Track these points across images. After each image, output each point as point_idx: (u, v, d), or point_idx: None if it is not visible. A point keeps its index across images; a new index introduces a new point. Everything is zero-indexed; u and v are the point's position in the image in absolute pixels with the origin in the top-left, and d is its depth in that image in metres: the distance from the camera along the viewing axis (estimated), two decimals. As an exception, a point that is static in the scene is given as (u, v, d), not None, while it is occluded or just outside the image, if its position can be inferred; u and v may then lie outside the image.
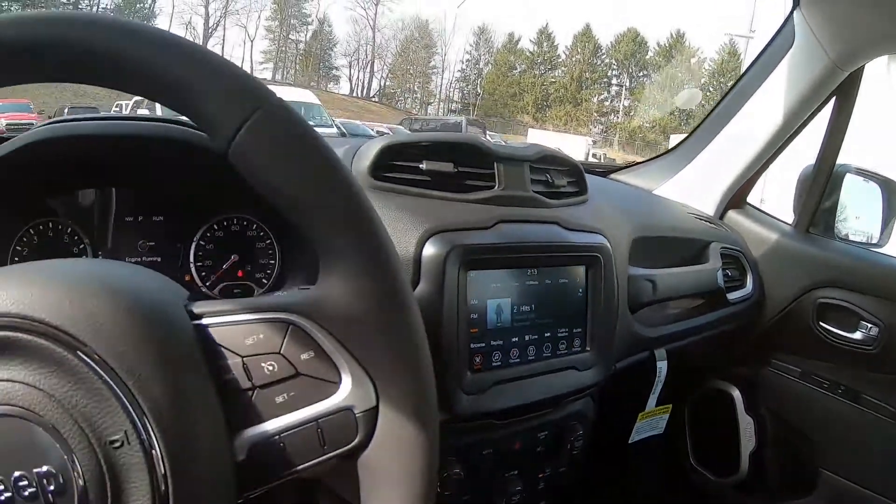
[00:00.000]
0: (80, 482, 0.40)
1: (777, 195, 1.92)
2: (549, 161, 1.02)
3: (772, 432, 1.63)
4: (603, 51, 56.97)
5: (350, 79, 70.14)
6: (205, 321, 0.47)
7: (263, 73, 66.04)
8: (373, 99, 66.09)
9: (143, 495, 0.41)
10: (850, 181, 1.56)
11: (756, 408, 1.64)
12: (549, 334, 0.94)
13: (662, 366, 1.21)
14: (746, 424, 1.63)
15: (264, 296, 0.55)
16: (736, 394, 1.65)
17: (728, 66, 46.31)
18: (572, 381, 0.98)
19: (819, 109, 1.48)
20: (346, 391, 0.48)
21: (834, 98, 1.45)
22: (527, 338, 0.92)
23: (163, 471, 0.41)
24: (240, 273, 0.97)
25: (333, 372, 0.48)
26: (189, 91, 0.44)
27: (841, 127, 1.47)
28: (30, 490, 0.39)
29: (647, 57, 54.55)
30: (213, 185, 0.89)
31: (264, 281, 0.98)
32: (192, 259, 0.95)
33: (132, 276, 0.49)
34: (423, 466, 0.49)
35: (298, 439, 0.47)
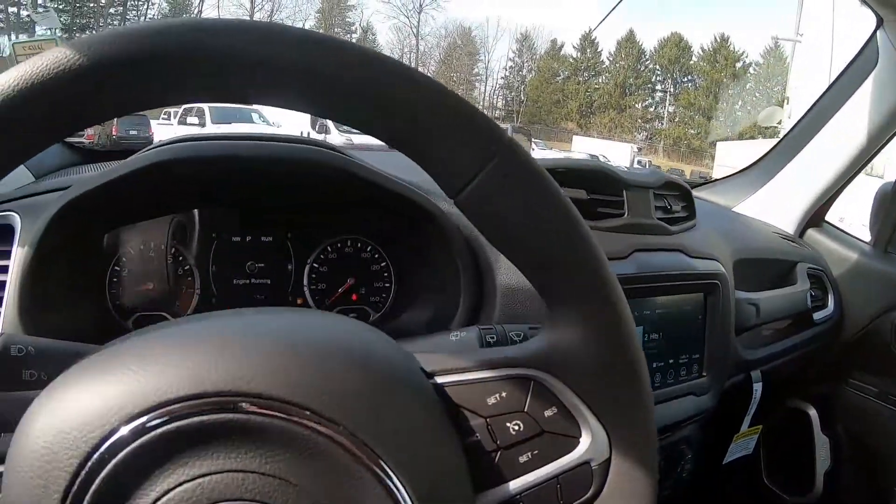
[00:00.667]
0: None
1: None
2: (668, 187, 1.05)
3: (847, 452, 1.62)
4: (647, 56, 56.28)
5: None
6: (439, 380, 0.44)
7: (299, 88, 66.68)
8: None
9: None
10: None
11: (832, 427, 1.63)
12: (672, 361, 0.96)
13: (758, 387, 1.22)
14: (822, 444, 1.61)
15: (492, 349, 0.50)
16: (812, 413, 1.63)
17: (774, 70, 45.38)
18: (690, 406, 1.00)
19: None
20: (585, 445, 0.45)
21: None
22: (654, 365, 0.93)
23: None
24: (354, 297, 0.96)
25: (575, 426, 0.45)
26: (424, 134, 0.40)
27: None
28: None
29: (692, 62, 53.73)
30: (333, 206, 0.90)
31: (379, 305, 0.96)
32: (305, 282, 0.93)
33: (352, 332, 0.44)
34: None
35: (538, 497, 0.44)
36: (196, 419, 0.34)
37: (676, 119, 53.70)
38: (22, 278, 0.72)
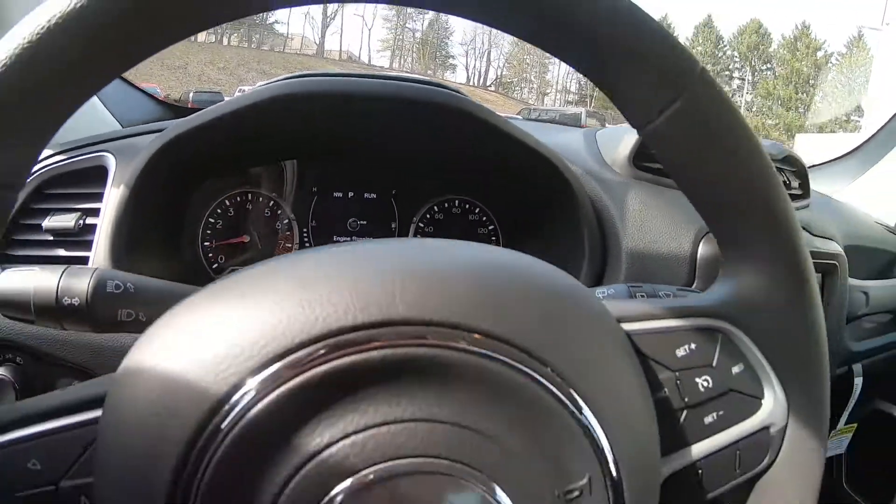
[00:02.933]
0: None
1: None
2: (787, 161, 1.00)
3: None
4: (725, 42, 55.09)
5: (466, 68, 70.37)
6: (627, 327, 0.39)
7: (381, 60, 66.96)
8: (489, 88, 65.99)
9: None
10: None
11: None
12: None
13: (859, 382, 1.18)
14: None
15: (680, 298, 0.47)
16: (902, 416, 1.57)
17: (858, 60, 43.85)
18: None
19: None
20: (768, 408, 0.42)
21: None
22: None
23: None
24: None
25: (759, 387, 0.42)
26: (619, 57, 0.36)
27: None
28: None
29: (771, 49, 52.38)
30: (445, 162, 0.87)
31: None
32: None
33: (543, 268, 0.37)
34: (817, 488, 0.43)
35: (717, 465, 0.40)
36: (374, 353, 0.28)
37: (754, 109, 52.49)
38: (115, 222, 0.70)
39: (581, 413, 0.31)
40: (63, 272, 0.46)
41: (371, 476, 0.26)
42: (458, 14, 0.36)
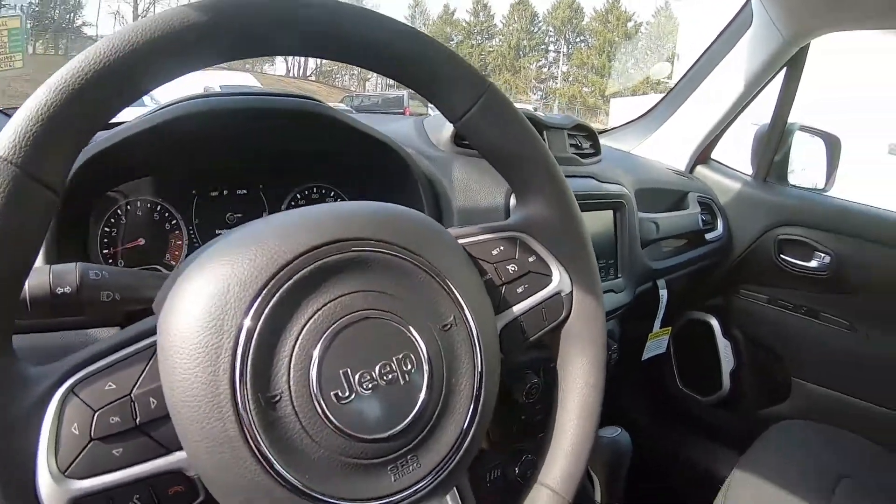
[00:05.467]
0: (427, 363, 0.49)
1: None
2: (578, 128, 1.26)
3: (747, 352, 1.91)
4: (540, 18, 56.97)
5: (285, 59, 68.90)
6: (461, 241, 0.61)
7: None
8: (310, 78, 64.85)
9: (467, 368, 0.52)
10: (798, 137, 1.82)
11: (731, 332, 1.92)
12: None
13: (664, 293, 1.45)
14: (724, 347, 1.90)
15: (488, 224, 0.67)
16: (713, 321, 1.91)
17: (664, 29, 46.66)
18: (611, 301, 1.20)
19: (773, 78, 1.72)
20: (556, 280, 0.64)
21: (785, 68, 1.69)
22: None
23: (478, 346, 0.53)
24: None
25: (548, 269, 0.64)
26: (432, 75, 0.56)
27: (791, 92, 1.72)
28: (386, 374, 0.47)
29: (584, 23, 54.70)
30: (304, 158, 1.01)
31: None
32: None
33: (404, 209, 0.59)
34: (602, 329, 0.66)
35: (531, 318, 0.62)
36: (331, 259, 0.48)
37: (570, 78, 54.61)
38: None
39: (444, 281, 0.53)
40: (50, 268, 0.53)
41: (354, 315, 0.47)
42: (319, 56, 0.52)
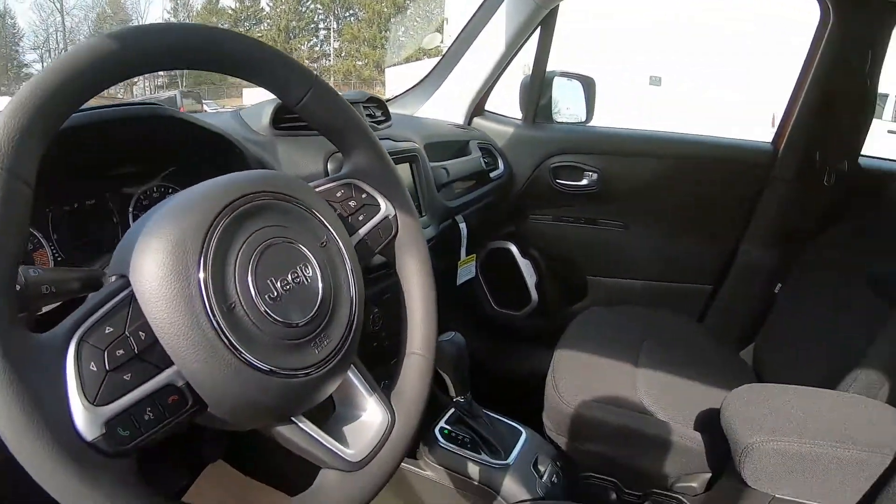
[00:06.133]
0: (317, 268, 0.66)
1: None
2: (370, 101, 1.48)
3: (545, 265, 2.25)
4: (306, -3, 55.89)
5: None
6: (315, 189, 0.76)
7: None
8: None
9: (343, 271, 0.69)
10: (557, 82, 2.18)
11: (529, 252, 2.24)
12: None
13: (463, 226, 1.70)
14: (525, 266, 2.23)
15: (329, 177, 0.84)
16: (511, 246, 2.23)
17: (432, -8, 47.17)
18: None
19: (530, 36, 2.02)
20: (384, 208, 0.82)
21: (539, 28, 1.99)
22: None
23: (345, 255, 0.70)
24: None
25: (376, 201, 0.82)
26: (271, 74, 0.71)
27: (545, 47, 2.05)
28: (295, 279, 0.63)
29: (353, -3, 54.20)
30: (142, 160, 1.08)
31: None
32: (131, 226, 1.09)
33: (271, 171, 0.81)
34: (422, 236, 0.86)
35: (374, 234, 0.81)
36: (258, 201, 0.64)
37: (343, 54, 54.09)
38: None
39: (315, 213, 0.70)
40: None
41: (266, 242, 0.63)
42: (170, 69, 0.65)
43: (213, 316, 0.56)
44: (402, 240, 0.85)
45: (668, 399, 1.47)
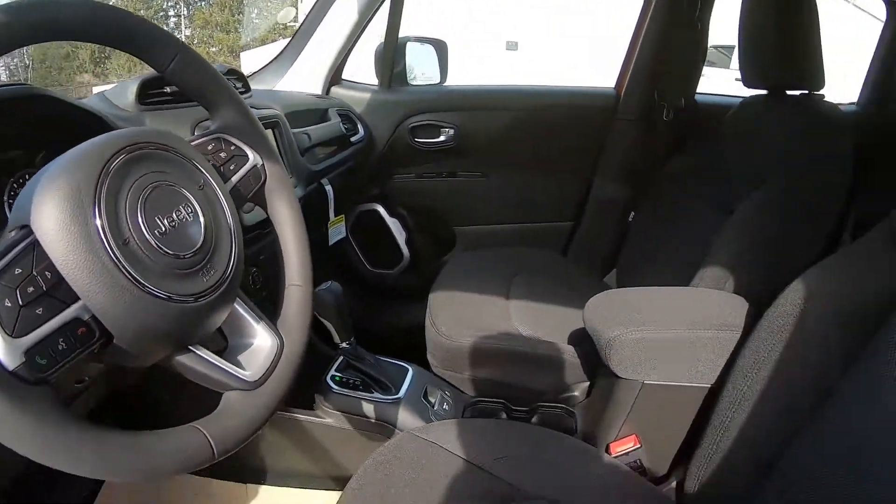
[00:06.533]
0: (198, 207, 0.72)
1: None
2: (230, 73, 1.52)
3: (413, 222, 2.35)
4: (154, -16, 53.32)
5: None
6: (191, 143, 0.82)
7: None
8: None
9: (220, 211, 0.76)
10: (411, 47, 2.26)
11: (396, 211, 2.33)
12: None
13: (329, 189, 1.78)
14: (394, 224, 2.33)
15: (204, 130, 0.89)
16: (379, 207, 2.32)
17: (279, -28, 46.00)
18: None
19: (380, 6, 2.08)
20: (252, 158, 0.89)
21: None
22: None
23: (222, 197, 0.77)
24: None
25: (244, 152, 0.89)
26: (136, 40, 0.76)
27: (397, 16, 2.10)
28: (179, 217, 0.69)
29: (200, -19, 52.16)
30: (17, 141, 1.06)
31: None
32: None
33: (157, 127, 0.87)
34: (289, 182, 0.94)
35: (244, 183, 0.87)
36: (138, 151, 0.68)
37: (196, 41, 52.06)
38: None
39: (192, 161, 0.76)
40: None
41: (151, 186, 0.68)
42: (43, 41, 0.67)
43: (111, 251, 0.61)
44: (271, 186, 0.92)
45: (541, 322, 1.61)
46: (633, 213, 2.23)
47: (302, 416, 1.47)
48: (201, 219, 0.73)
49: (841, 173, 1.46)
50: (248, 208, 1.20)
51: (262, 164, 0.91)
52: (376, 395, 1.48)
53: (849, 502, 0.74)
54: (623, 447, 1.34)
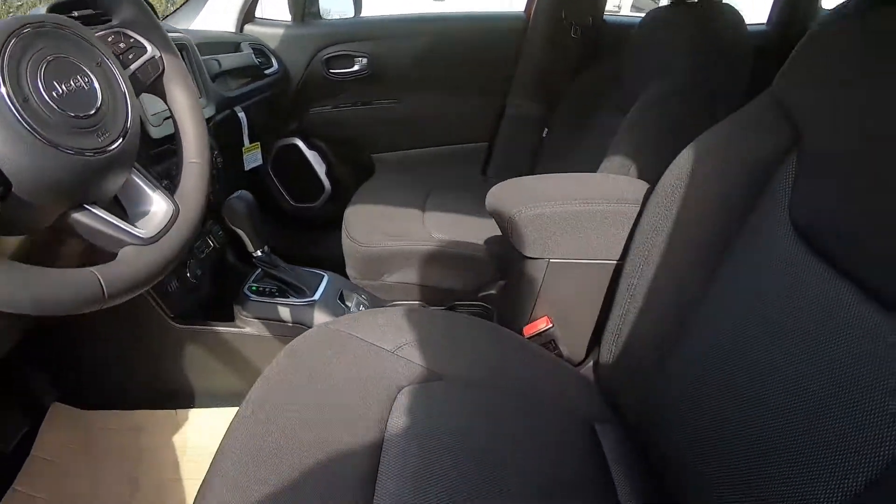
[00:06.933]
0: (94, 78, 0.76)
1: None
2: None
3: (332, 153, 2.44)
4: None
5: None
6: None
7: None
8: None
9: (116, 85, 0.80)
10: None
11: (315, 144, 2.40)
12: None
13: (242, 116, 1.80)
14: (314, 157, 2.40)
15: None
16: (297, 141, 2.39)
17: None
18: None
19: None
20: (150, 49, 0.93)
21: None
22: None
23: (118, 74, 0.81)
24: None
25: (141, 43, 0.93)
26: None
27: None
28: (77, 84, 0.73)
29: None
30: None
31: None
32: None
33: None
34: (186, 72, 0.98)
35: (143, 71, 0.92)
36: (41, 28, 0.71)
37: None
38: None
39: (89, 41, 0.79)
40: None
41: (50, 56, 0.72)
42: None
43: (13, 106, 0.66)
44: (168, 75, 0.97)
45: (455, 227, 1.71)
46: (546, 130, 2.33)
47: (222, 329, 1.50)
48: (97, 89, 0.77)
49: (743, 64, 1.56)
50: (155, 121, 1.25)
51: (161, 56, 0.95)
52: (292, 299, 1.53)
53: (755, 346, 0.77)
54: (536, 328, 1.38)
